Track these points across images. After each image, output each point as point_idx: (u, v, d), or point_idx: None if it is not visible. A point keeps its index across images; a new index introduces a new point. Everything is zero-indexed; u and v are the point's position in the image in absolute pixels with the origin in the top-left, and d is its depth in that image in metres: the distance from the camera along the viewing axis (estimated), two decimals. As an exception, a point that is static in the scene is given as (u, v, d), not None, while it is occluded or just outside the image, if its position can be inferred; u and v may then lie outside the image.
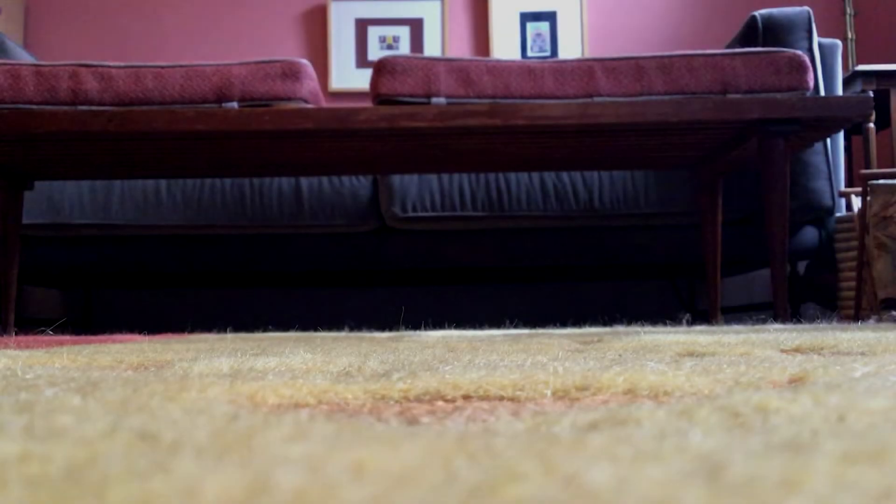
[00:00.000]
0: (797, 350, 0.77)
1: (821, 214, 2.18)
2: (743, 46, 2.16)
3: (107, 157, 1.95)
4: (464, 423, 0.35)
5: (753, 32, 2.14)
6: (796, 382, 0.47)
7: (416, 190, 2.19)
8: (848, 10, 3.20)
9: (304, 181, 2.23)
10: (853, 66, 3.05)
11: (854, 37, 3.18)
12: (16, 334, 1.70)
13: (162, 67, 1.83)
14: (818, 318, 2.12)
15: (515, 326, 1.58)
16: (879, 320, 1.74)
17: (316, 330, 1.90)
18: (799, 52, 1.84)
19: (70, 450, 0.25)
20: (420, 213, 2.19)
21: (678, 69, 1.82)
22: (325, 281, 2.70)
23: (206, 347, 0.88)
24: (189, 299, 3.02)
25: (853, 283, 2.00)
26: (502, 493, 0.19)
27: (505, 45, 3.50)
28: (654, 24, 3.51)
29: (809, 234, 2.22)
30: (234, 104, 1.81)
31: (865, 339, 0.85)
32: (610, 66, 1.83)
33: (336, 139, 1.85)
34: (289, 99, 1.83)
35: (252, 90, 1.82)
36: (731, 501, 0.18)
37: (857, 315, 1.91)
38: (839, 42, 2.25)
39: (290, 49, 3.50)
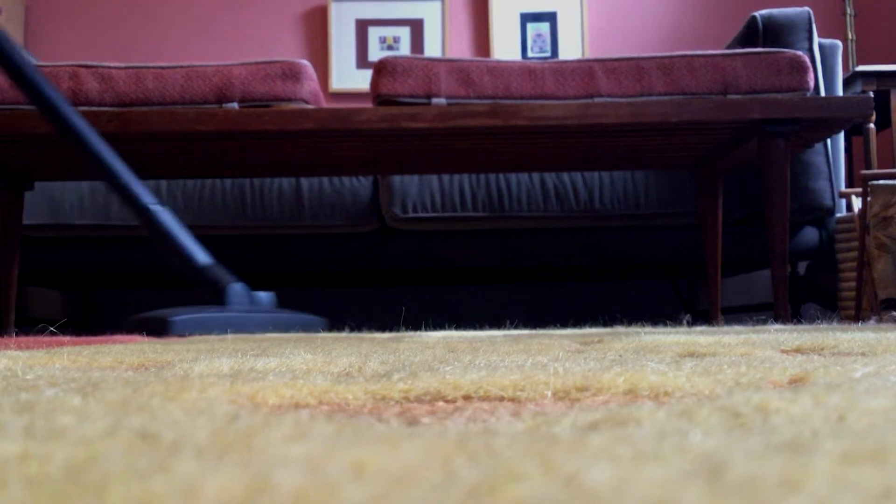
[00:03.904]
0: (797, 350, 0.77)
1: (821, 215, 2.18)
2: (743, 47, 2.16)
3: (107, 157, 1.95)
4: (464, 424, 0.35)
5: (754, 33, 2.14)
6: (797, 383, 0.47)
7: (416, 190, 2.19)
8: (848, 11, 3.20)
9: (304, 181, 2.23)
10: (853, 66, 3.05)
11: (854, 37, 3.18)
12: (16, 334, 1.70)
13: (162, 68, 1.83)
14: (818, 319, 2.12)
15: (515, 327, 1.58)
16: (880, 321, 1.73)
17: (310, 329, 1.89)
18: (799, 53, 1.84)
19: (70, 450, 0.25)
20: (420, 214, 2.19)
21: (679, 70, 1.82)
22: (325, 281, 2.70)
23: (207, 348, 0.88)
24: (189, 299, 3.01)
25: (853, 284, 2.00)
26: (502, 493, 0.19)
27: (505, 46, 3.50)
28: (655, 25, 3.51)
29: (810, 234, 2.22)
30: (235, 105, 1.81)
31: (866, 339, 0.85)
32: (610, 66, 1.83)
33: (336, 140, 1.85)
34: (289, 99, 1.83)
35: (252, 91, 1.82)
36: (732, 501, 0.18)
37: (857, 315, 1.91)
38: (839, 42, 2.25)
39: (290, 49, 3.50)
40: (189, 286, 1.61)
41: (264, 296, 1.63)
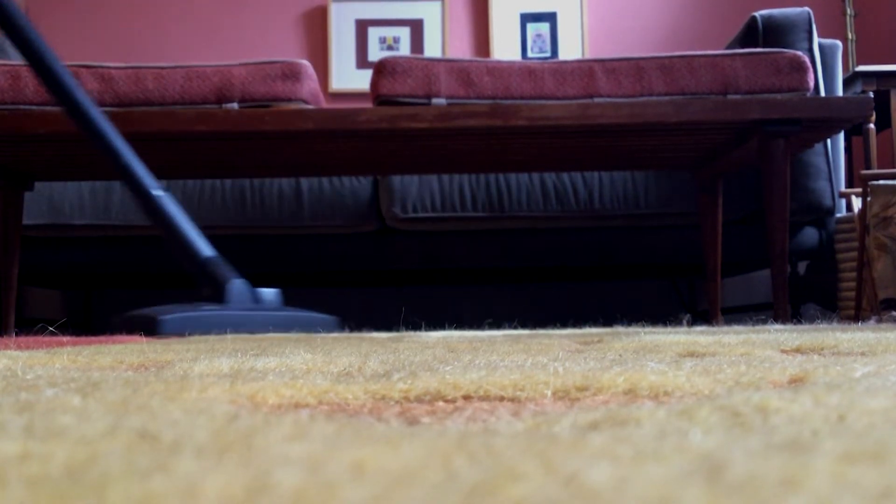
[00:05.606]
0: (797, 350, 0.77)
1: (821, 215, 2.18)
2: (743, 47, 2.16)
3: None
4: (464, 424, 0.35)
5: (753, 33, 2.14)
6: (796, 382, 0.47)
7: (416, 191, 2.19)
8: (848, 11, 3.20)
9: (304, 182, 2.23)
10: (853, 66, 3.05)
11: (854, 37, 3.18)
12: (16, 334, 1.70)
13: (162, 68, 1.83)
14: (818, 319, 2.12)
15: (515, 327, 1.58)
16: (880, 321, 1.73)
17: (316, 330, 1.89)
18: (799, 53, 1.84)
19: (70, 450, 0.25)
20: (420, 214, 2.19)
21: (678, 70, 1.82)
22: (325, 281, 2.70)
23: (207, 348, 0.88)
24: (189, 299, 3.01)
25: (853, 284, 2.00)
26: (502, 493, 0.19)
27: (505, 46, 3.50)
28: (654, 25, 3.51)
29: (809, 234, 2.22)
30: (235, 105, 1.81)
31: (866, 339, 0.85)
32: (610, 66, 1.83)
33: (336, 140, 1.85)
34: (289, 100, 1.83)
35: (252, 91, 1.82)
36: (731, 501, 0.18)
37: (857, 315, 1.91)
38: (839, 43, 2.25)
39: (290, 50, 3.50)
40: (193, 285, 1.58)
41: (269, 293, 1.58)
